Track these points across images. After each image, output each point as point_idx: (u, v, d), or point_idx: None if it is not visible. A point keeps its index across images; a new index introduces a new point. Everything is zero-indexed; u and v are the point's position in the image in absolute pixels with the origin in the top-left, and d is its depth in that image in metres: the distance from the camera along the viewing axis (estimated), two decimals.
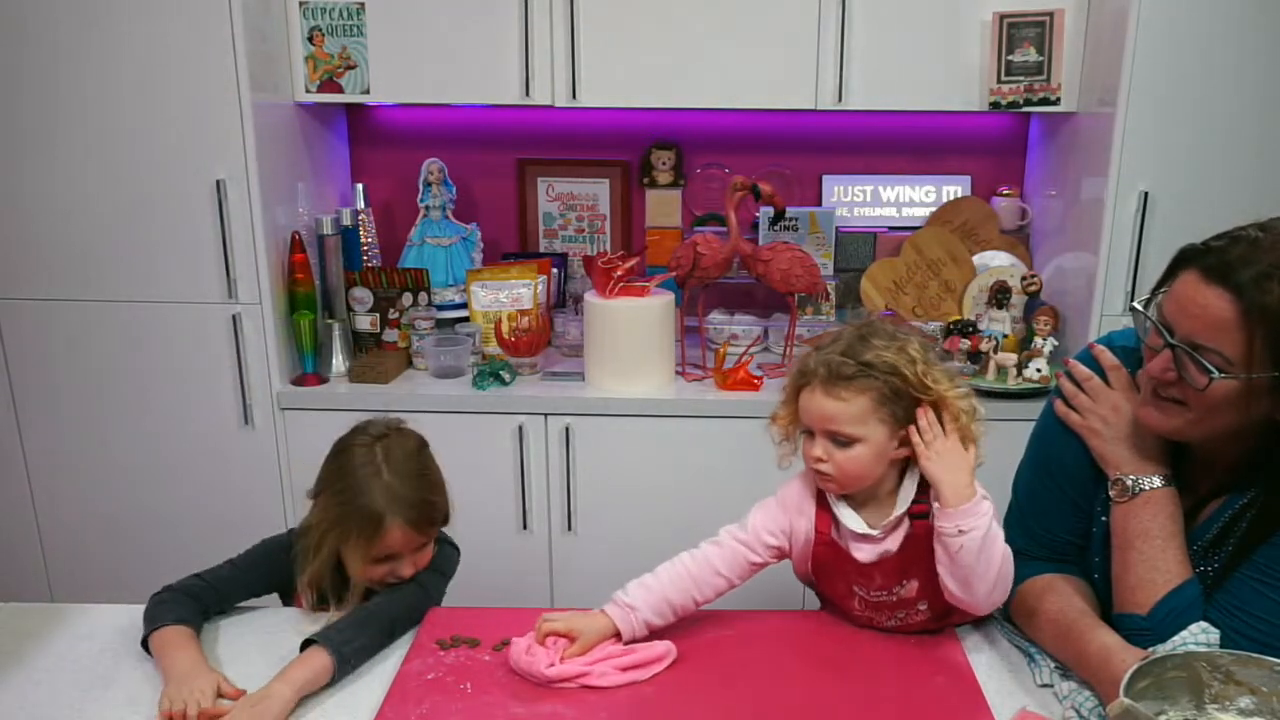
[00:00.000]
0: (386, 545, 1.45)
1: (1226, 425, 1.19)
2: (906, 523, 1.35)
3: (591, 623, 1.35)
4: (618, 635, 1.36)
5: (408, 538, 1.46)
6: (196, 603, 1.44)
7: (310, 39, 2.46)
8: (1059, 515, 1.38)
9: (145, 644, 1.38)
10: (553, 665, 1.29)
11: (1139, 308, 1.24)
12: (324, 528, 1.46)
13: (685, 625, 1.41)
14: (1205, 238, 1.19)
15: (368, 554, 1.45)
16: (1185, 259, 1.18)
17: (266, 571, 1.53)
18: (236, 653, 1.40)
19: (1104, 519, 1.33)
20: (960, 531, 1.27)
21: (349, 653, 1.34)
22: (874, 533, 1.35)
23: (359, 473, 1.46)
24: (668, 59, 2.44)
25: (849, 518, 1.37)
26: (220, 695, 1.29)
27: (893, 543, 1.36)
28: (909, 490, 1.35)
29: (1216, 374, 1.13)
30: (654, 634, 1.37)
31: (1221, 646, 1.16)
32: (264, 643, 1.41)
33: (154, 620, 1.39)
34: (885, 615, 1.41)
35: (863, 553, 1.37)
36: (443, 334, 2.59)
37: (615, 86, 2.47)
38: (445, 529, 1.59)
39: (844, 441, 1.32)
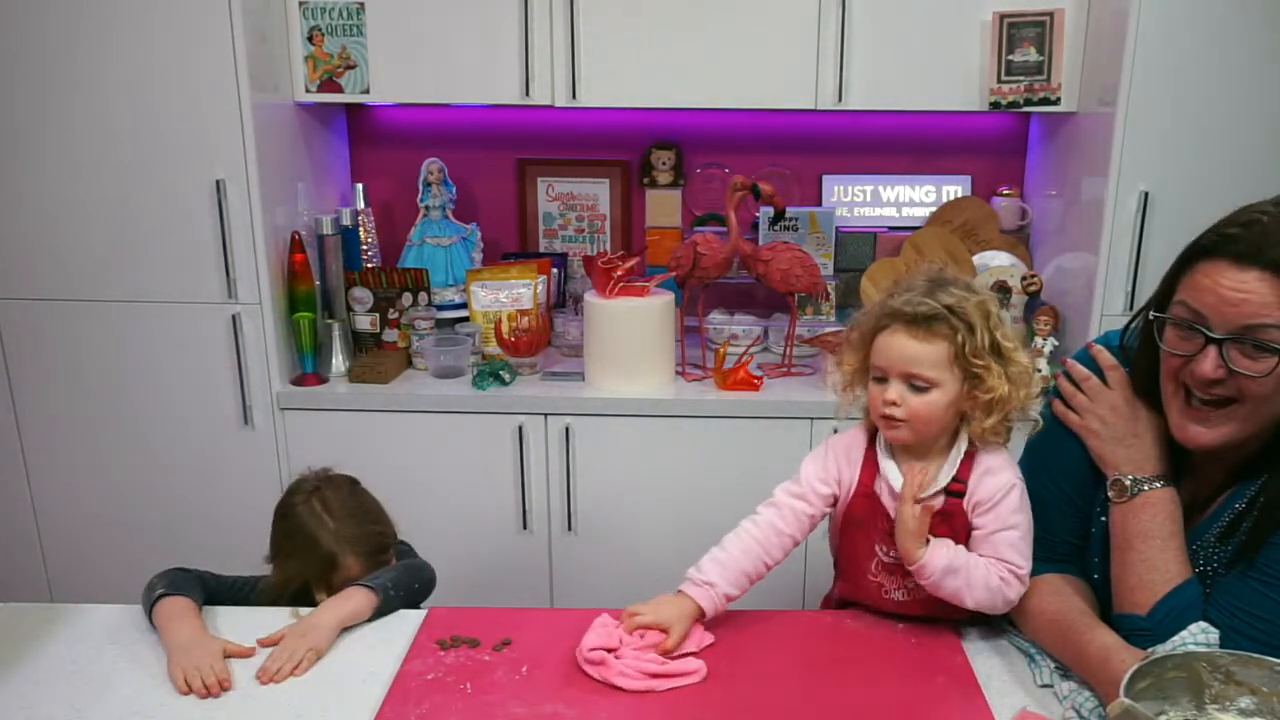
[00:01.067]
0: (345, 579, 1.56)
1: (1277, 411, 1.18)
2: (942, 499, 1.36)
3: (676, 609, 1.35)
4: (701, 614, 1.36)
5: (364, 569, 1.58)
6: (201, 588, 1.51)
7: (310, 39, 2.46)
8: (1058, 515, 1.38)
9: (151, 615, 1.43)
10: (595, 650, 1.30)
11: (1161, 315, 1.22)
12: (285, 581, 1.59)
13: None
14: (1204, 231, 1.19)
15: (331, 588, 1.55)
16: (1202, 252, 1.17)
17: (245, 597, 1.61)
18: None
19: (1103, 519, 1.33)
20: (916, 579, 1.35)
21: (385, 584, 1.49)
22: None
23: (306, 528, 1.60)
24: (668, 59, 2.44)
25: (892, 473, 1.37)
26: (228, 656, 1.35)
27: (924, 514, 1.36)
28: (953, 462, 1.36)
29: None
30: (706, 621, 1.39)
31: (1221, 646, 1.16)
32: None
33: (154, 589, 1.45)
34: (896, 582, 1.41)
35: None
36: (443, 334, 2.59)
37: (615, 86, 2.47)
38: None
39: (922, 386, 1.31)
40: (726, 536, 1.41)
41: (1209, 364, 1.16)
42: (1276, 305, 1.11)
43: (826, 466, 1.43)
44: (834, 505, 1.45)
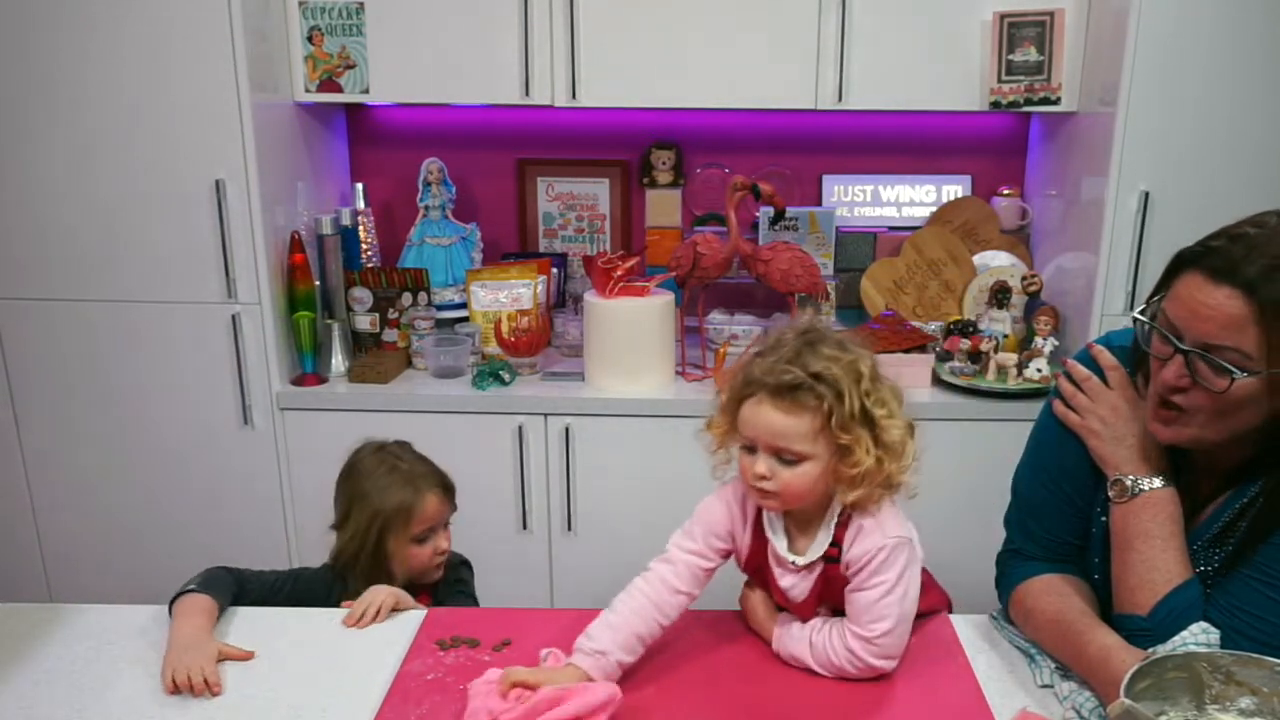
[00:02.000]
0: (425, 518, 1.64)
1: (1243, 425, 1.18)
2: (820, 565, 1.31)
3: (561, 676, 1.23)
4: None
5: (440, 505, 1.67)
6: (235, 586, 1.51)
7: (310, 38, 2.46)
8: (1058, 515, 1.38)
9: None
10: (472, 715, 1.19)
11: (1141, 317, 1.23)
12: (362, 533, 1.63)
13: (681, 626, 1.41)
14: (1199, 239, 1.18)
15: (409, 535, 1.63)
16: (1184, 262, 1.17)
17: (297, 593, 1.61)
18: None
19: (1103, 519, 1.32)
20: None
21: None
22: (795, 560, 1.31)
23: (377, 475, 1.66)
24: (668, 59, 2.44)
25: (779, 543, 1.32)
26: (223, 659, 1.34)
27: (806, 581, 1.32)
28: (828, 527, 1.30)
29: (1238, 373, 1.12)
30: (623, 674, 1.28)
31: (1222, 646, 1.16)
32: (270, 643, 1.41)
33: (186, 583, 1.46)
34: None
35: (784, 579, 1.34)
36: (442, 334, 2.59)
37: (615, 86, 2.47)
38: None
39: (791, 460, 1.23)
40: (618, 597, 1.31)
41: (1171, 373, 1.17)
42: (1237, 328, 1.11)
43: (721, 521, 1.36)
44: (728, 557, 1.38)
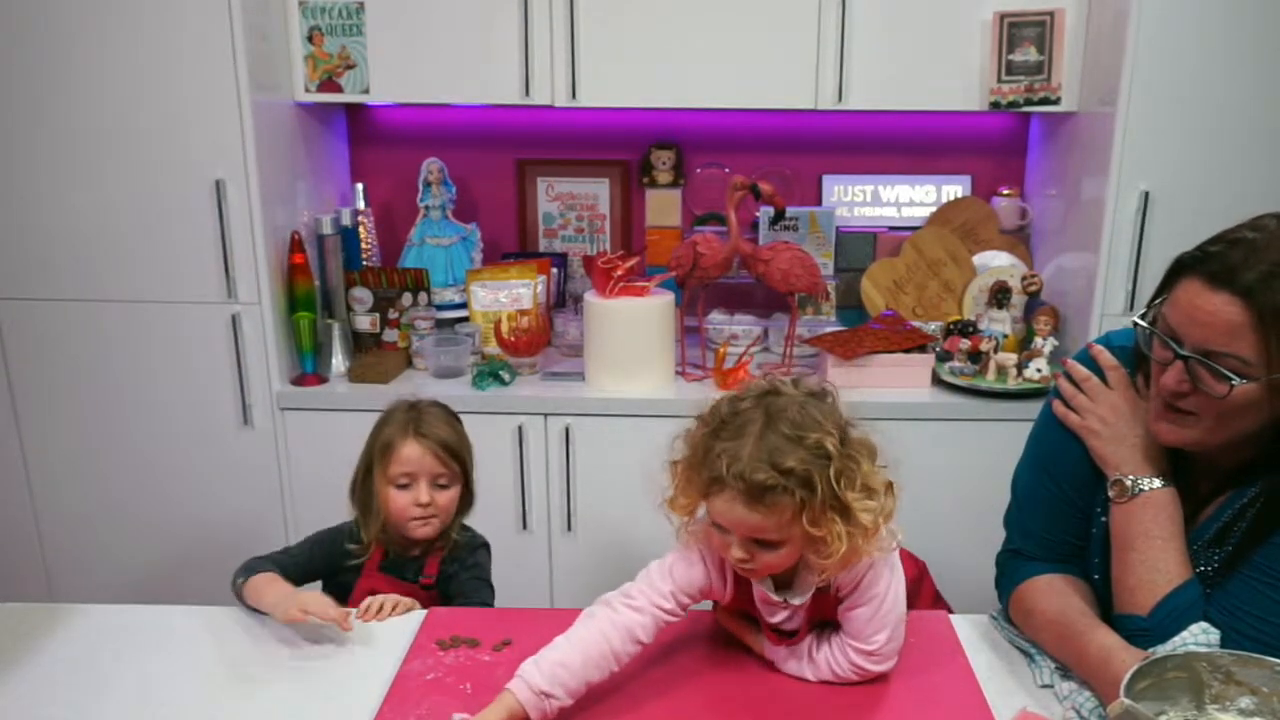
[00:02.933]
0: (402, 460, 1.63)
1: (1244, 429, 1.18)
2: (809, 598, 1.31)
3: (488, 714, 1.19)
4: (525, 719, 1.21)
5: (420, 456, 1.64)
6: (277, 568, 1.56)
7: (310, 38, 2.46)
8: (1058, 515, 1.38)
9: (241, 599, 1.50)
10: None
11: (1142, 322, 1.23)
12: (359, 461, 1.69)
13: (681, 626, 1.41)
14: (1204, 239, 1.18)
15: (387, 475, 1.63)
16: (1183, 267, 1.17)
17: (322, 554, 1.68)
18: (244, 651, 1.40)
19: (1103, 519, 1.33)
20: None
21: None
22: (782, 599, 1.31)
23: (392, 413, 1.69)
24: (668, 59, 2.44)
25: (767, 588, 1.31)
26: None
27: (799, 614, 1.32)
28: (811, 573, 1.28)
29: (1237, 380, 1.12)
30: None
31: (1222, 646, 1.16)
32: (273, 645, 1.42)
33: (238, 573, 1.52)
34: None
35: (775, 616, 1.33)
36: (442, 334, 2.59)
37: (615, 86, 2.47)
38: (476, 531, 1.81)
39: (768, 544, 1.21)
40: (581, 631, 1.26)
41: (1172, 378, 1.18)
42: (1235, 334, 1.11)
43: (697, 583, 1.33)
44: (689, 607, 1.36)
